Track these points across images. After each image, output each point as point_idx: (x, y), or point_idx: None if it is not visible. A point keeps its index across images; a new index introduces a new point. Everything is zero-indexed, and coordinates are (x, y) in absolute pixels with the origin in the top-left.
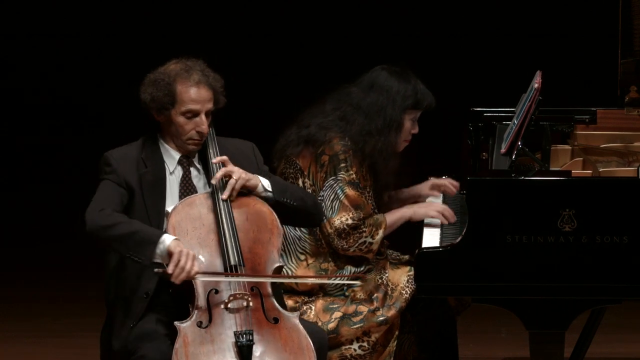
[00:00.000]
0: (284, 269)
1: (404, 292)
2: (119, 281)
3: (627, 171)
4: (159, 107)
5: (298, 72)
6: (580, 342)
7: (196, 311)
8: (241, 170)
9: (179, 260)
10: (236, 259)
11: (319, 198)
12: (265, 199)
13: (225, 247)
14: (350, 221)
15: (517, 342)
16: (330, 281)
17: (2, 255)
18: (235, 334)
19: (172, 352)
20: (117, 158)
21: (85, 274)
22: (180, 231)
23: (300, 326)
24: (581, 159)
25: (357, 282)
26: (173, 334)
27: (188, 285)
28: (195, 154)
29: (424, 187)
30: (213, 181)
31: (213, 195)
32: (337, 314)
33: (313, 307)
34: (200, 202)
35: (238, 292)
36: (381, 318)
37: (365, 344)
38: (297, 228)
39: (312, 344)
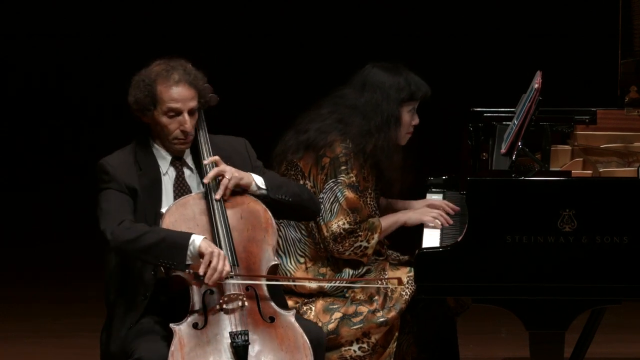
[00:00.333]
0: (282, 271)
1: (403, 293)
2: (119, 282)
3: (627, 171)
4: (142, 109)
5: (298, 72)
6: (580, 342)
7: (192, 312)
8: (233, 169)
9: (210, 262)
10: (230, 260)
11: (319, 200)
12: (260, 197)
13: (219, 248)
14: (347, 225)
15: (517, 343)
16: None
17: (2, 255)
18: (230, 335)
19: (168, 353)
20: (114, 164)
21: (85, 274)
22: None
23: (297, 324)
24: (581, 159)
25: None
26: (170, 335)
27: (183, 285)
28: (187, 154)
29: (418, 205)
30: (205, 180)
31: (206, 195)
32: (337, 315)
33: (313, 308)
34: (193, 202)
35: (233, 292)
36: (381, 319)
37: (365, 345)
38: (297, 230)
39: (308, 342)
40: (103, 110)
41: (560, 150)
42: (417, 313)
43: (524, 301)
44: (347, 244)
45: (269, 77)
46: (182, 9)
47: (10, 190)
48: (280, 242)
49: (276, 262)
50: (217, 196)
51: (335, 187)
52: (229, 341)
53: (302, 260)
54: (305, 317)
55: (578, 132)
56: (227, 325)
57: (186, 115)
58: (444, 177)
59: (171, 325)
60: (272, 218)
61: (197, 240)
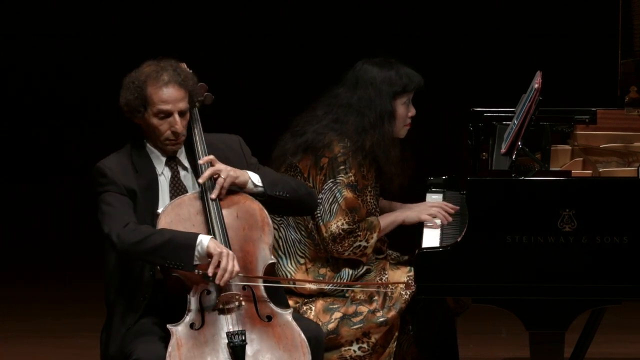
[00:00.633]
0: (282, 272)
1: (403, 292)
2: (118, 283)
3: (627, 171)
4: (132, 110)
5: (298, 72)
6: (581, 342)
7: (189, 313)
8: (229, 168)
9: (219, 262)
10: None
11: (318, 200)
12: (257, 195)
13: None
14: (345, 226)
15: (517, 343)
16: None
17: (2, 255)
18: (227, 335)
19: (166, 354)
20: (111, 167)
21: (85, 274)
22: None
23: (294, 323)
24: (581, 159)
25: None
26: (167, 336)
27: (180, 286)
28: (182, 153)
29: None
30: (200, 180)
31: (202, 194)
32: (337, 315)
33: (313, 308)
34: (189, 202)
35: (229, 292)
36: (381, 319)
37: (365, 345)
38: (297, 231)
39: (306, 341)
40: (103, 110)
41: (560, 150)
42: (417, 313)
43: (524, 301)
44: (346, 244)
45: (269, 77)
46: (181, 9)
47: (10, 190)
48: (280, 243)
49: (273, 261)
50: (213, 195)
51: (334, 187)
52: (227, 341)
53: (302, 261)
54: (305, 317)
55: (578, 132)
56: (224, 325)
57: (177, 117)
58: (444, 177)
59: (168, 326)
60: (268, 216)
61: (205, 241)
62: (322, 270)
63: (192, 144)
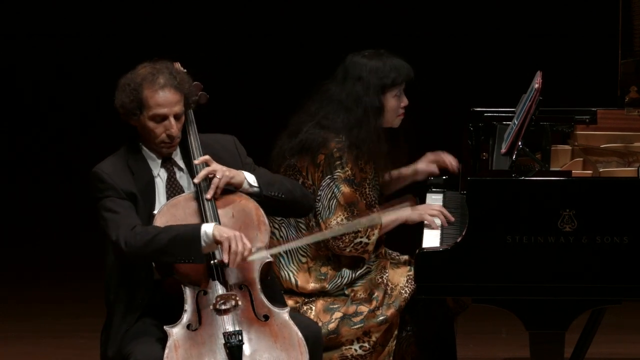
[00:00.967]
0: (284, 271)
1: (403, 291)
2: (117, 284)
3: (627, 171)
4: (128, 113)
5: (298, 72)
6: (581, 342)
7: (185, 314)
8: (225, 168)
9: (229, 247)
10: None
11: (317, 197)
12: (252, 195)
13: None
14: (345, 221)
15: (517, 343)
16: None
17: (2, 255)
18: (224, 335)
19: (163, 356)
20: (108, 172)
21: (85, 274)
22: None
23: (291, 322)
24: (581, 159)
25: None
26: (165, 337)
27: (176, 287)
28: (177, 154)
29: (421, 162)
30: (195, 180)
31: (197, 195)
32: (338, 314)
33: (313, 308)
34: (184, 202)
35: (226, 292)
36: (381, 317)
37: (365, 344)
38: (297, 230)
39: (303, 339)
40: (103, 110)
41: (561, 150)
42: (416, 313)
43: (524, 301)
44: (347, 240)
45: (269, 77)
46: (182, 9)
47: (10, 190)
48: (282, 241)
49: (269, 260)
50: (208, 195)
51: (331, 184)
52: (224, 342)
53: (304, 260)
54: (303, 315)
55: (578, 132)
56: (221, 325)
57: (172, 120)
58: (444, 177)
59: (165, 327)
60: (264, 215)
61: (209, 229)
62: (324, 269)
63: (187, 144)
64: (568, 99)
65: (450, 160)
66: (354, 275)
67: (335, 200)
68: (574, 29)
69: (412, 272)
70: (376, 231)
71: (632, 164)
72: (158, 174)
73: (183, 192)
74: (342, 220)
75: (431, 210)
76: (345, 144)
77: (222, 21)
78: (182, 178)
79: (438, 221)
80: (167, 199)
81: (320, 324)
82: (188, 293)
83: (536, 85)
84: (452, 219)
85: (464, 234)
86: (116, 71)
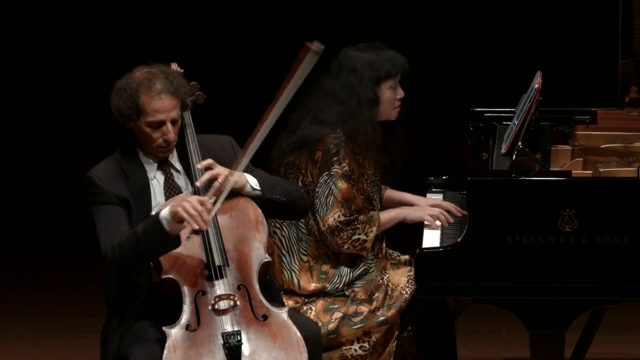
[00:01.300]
0: (287, 269)
1: (403, 292)
2: (115, 285)
3: (627, 171)
4: (124, 118)
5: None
6: (581, 342)
7: (184, 314)
8: (227, 172)
9: (188, 213)
10: (220, 260)
11: (315, 194)
12: (254, 198)
13: (209, 248)
14: (342, 217)
15: (517, 343)
16: None
17: (2, 255)
18: (223, 336)
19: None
20: (101, 176)
21: (85, 274)
22: None
23: (290, 321)
24: (581, 159)
25: None
26: (164, 338)
27: (174, 288)
28: (173, 155)
29: (422, 203)
30: (198, 184)
31: (195, 194)
32: (338, 315)
33: (313, 308)
34: None
35: (224, 292)
36: (381, 318)
37: (365, 344)
38: (297, 229)
39: (302, 339)
40: (103, 110)
41: (561, 150)
42: (417, 313)
43: (524, 301)
44: (344, 236)
45: (269, 77)
46: (181, 9)
47: (10, 190)
48: (283, 241)
49: (268, 260)
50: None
51: (329, 180)
52: (222, 342)
53: (305, 258)
54: (302, 314)
55: (578, 132)
56: (220, 326)
57: (169, 125)
58: (444, 177)
59: (164, 328)
60: (262, 215)
61: (165, 211)
62: (325, 267)
63: (184, 146)
64: (568, 99)
65: (447, 215)
66: (352, 274)
67: (332, 197)
68: (574, 29)
69: (412, 273)
70: (374, 228)
71: (632, 164)
72: (155, 177)
73: (181, 192)
74: (339, 216)
75: (431, 210)
76: (341, 138)
77: (222, 21)
78: (180, 179)
79: (437, 222)
80: (166, 200)
81: (320, 324)
82: (186, 293)
83: (536, 85)
84: (452, 219)
85: (464, 234)
86: (116, 71)
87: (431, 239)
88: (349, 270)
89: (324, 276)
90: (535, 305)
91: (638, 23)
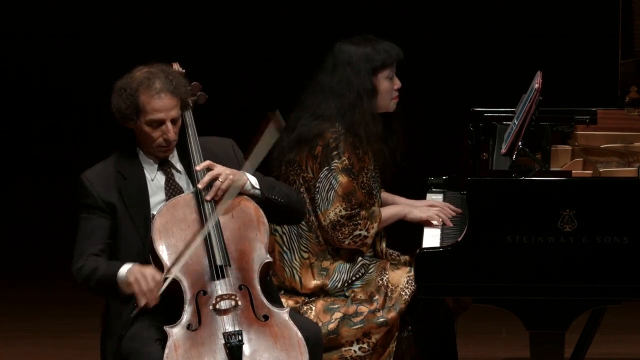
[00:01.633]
0: (288, 267)
1: (403, 293)
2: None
3: (627, 171)
4: (124, 118)
5: (298, 72)
6: (581, 342)
7: (185, 314)
8: (228, 171)
9: (140, 288)
10: (222, 259)
11: (315, 189)
12: (253, 197)
13: (210, 248)
14: (343, 212)
15: (517, 343)
16: None
17: (2, 255)
18: (224, 335)
19: (163, 356)
20: (92, 179)
21: None
22: (165, 234)
23: (291, 322)
24: (581, 159)
25: None
26: (164, 338)
27: (175, 287)
28: (174, 155)
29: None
30: (200, 186)
31: (197, 195)
32: (338, 315)
33: (313, 308)
34: (184, 203)
35: (225, 292)
36: (381, 319)
37: (365, 345)
38: (298, 226)
39: (303, 340)
40: (103, 110)
41: (561, 150)
42: (416, 313)
43: (524, 301)
44: (346, 231)
45: (269, 78)
46: (181, 9)
47: (10, 189)
48: (284, 238)
49: (269, 260)
50: (208, 197)
51: (329, 175)
52: (224, 342)
53: (305, 255)
54: (303, 315)
55: (578, 132)
56: (221, 325)
57: (169, 125)
58: (444, 177)
59: (165, 327)
60: (264, 216)
61: (123, 272)
62: (325, 264)
63: (185, 146)
64: (568, 99)
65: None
66: (352, 270)
67: (333, 192)
68: (574, 29)
69: (412, 273)
70: (375, 225)
71: (632, 164)
72: (155, 177)
73: (182, 192)
74: (340, 211)
75: (432, 210)
76: (341, 132)
77: (222, 21)
78: (181, 180)
79: (439, 220)
80: (166, 200)
81: (320, 324)
82: (188, 293)
83: (536, 86)
84: (454, 213)
85: (463, 234)
86: (116, 71)
87: (431, 239)
88: (348, 266)
89: (325, 272)
90: (535, 305)
91: (638, 23)
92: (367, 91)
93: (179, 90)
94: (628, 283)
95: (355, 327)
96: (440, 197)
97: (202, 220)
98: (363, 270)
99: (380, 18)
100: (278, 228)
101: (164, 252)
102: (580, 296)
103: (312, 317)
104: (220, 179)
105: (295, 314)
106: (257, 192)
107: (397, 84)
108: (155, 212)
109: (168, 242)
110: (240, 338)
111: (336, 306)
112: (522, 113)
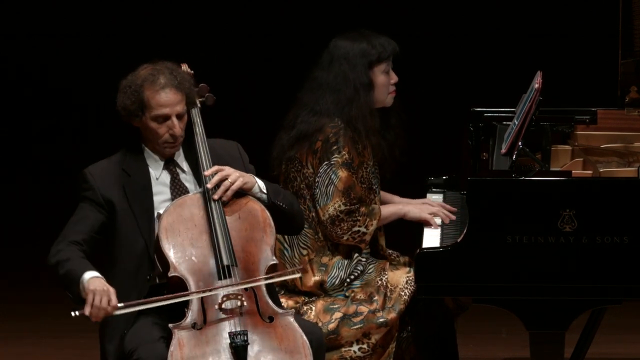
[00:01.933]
0: (289, 263)
1: (402, 293)
2: (115, 285)
3: (627, 171)
4: (130, 114)
5: (298, 72)
6: (581, 342)
7: (190, 313)
8: (238, 173)
9: (93, 300)
10: (229, 259)
11: (315, 184)
12: (259, 200)
13: (217, 248)
14: (343, 207)
15: (517, 343)
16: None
17: (2, 255)
18: (230, 335)
19: (168, 354)
20: (95, 174)
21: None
22: (172, 233)
23: (296, 324)
24: (581, 159)
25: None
26: (168, 336)
27: (181, 286)
28: (180, 155)
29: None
30: (209, 185)
31: (204, 195)
32: (338, 315)
33: (313, 308)
34: (191, 202)
35: (232, 292)
36: (381, 320)
37: (365, 345)
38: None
39: (308, 342)
40: (103, 110)
41: (561, 150)
42: (416, 313)
43: (524, 301)
44: (345, 227)
45: (269, 78)
46: (181, 9)
47: (10, 189)
48: (284, 235)
49: (275, 262)
50: (216, 196)
51: (328, 170)
52: (229, 341)
53: (304, 252)
54: (306, 317)
55: (578, 132)
56: (227, 325)
57: (175, 120)
58: (444, 177)
59: (170, 325)
60: (270, 218)
61: (86, 278)
62: (324, 260)
63: (191, 146)
64: (568, 99)
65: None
66: (349, 267)
67: (332, 186)
68: (574, 29)
69: (411, 274)
70: (375, 222)
71: (632, 164)
72: (159, 176)
73: (188, 192)
74: (339, 205)
75: (431, 208)
76: (340, 127)
77: (222, 21)
78: (186, 180)
79: (438, 220)
80: (172, 199)
81: (320, 324)
82: (193, 292)
83: (536, 86)
84: (453, 217)
85: (464, 234)
86: (116, 71)
87: (431, 239)
88: (346, 263)
89: (324, 268)
90: (535, 305)
91: (638, 23)
92: (364, 85)
93: (184, 86)
94: (628, 283)
95: (355, 327)
96: (440, 197)
97: (209, 220)
98: (360, 268)
99: (380, 18)
100: None
101: (170, 251)
102: (580, 296)
103: (312, 317)
104: (229, 180)
105: (298, 317)
106: (264, 196)
107: (394, 78)
108: (159, 211)
109: (175, 241)
110: (245, 338)
111: (336, 306)
112: (522, 113)
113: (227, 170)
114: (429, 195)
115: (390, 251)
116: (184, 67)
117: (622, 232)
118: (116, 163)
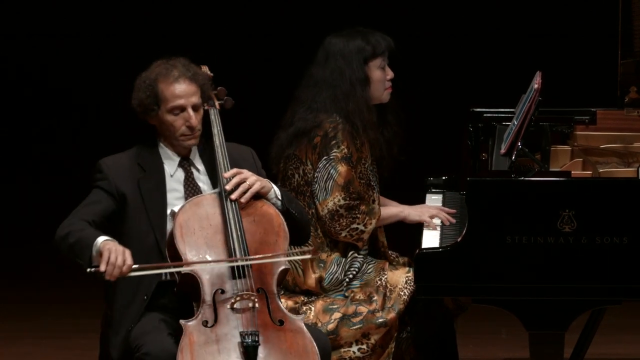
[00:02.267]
0: (290, 263)
1: (402, 293)
2: (118, 284)
3: (627, 172)
4: (146, 110)
5: (298, 72)
6: (580, 342)
7: (202, 310)
8: (255, 177)
9: (109, 258)
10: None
11: (314, 180)
12: (275, 206)
13: (232, 248)
14: (342, 201)
15: (517, 343)
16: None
17: (2, 255)
18: (241, 334)
19: (177, 349)
20: (110, 165)
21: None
22: (187, 230)
23: (306, 330)
24: (581, 159)
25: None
26: (175, 331)
27: (193, 284)
28: (195, 154)
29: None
30: (228, 187)
31: (221, 195)
32: (337, 315)
33: (313, 308)
34: (207, 202)
35: (245, 292)
36: (380, 320)
37: (364, 346)
38: None
39: (317, 348)
40: (103, 110)
41: (560, 150)
42: (416, 313)
43: (523, 301)
44: (343, 223)
45: (269, 78)
46: (182, 9)
47: (10, 189)
48: None
49: (287, 267)
50: (234, 196)
51: (327, 165)
52: (239, 340)
53: (305, 249)
54: (305, 317)
55: (578, 133)
56: (238, 324)
57: (190, 111)
58: (444, 177)
59: (181, 321)
60: (284, 222)
61: (100, 241)
62: (323, 256)
63: (207, 147)
64: (568, 99)
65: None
66: (345, 264)
67: (332, 181)
68: (574, 29)
69: (411, 274)
70: (374, 221)
71: (632, 165)
72: (174, 173)
73: (201, 192)
74: (339, 200)
75: (430, 211)
76: (339, 122)
77: (222, 21)
78: (200, 179)
79: (437, 221)
80: (185, 198)
81: (319, 324)
82: (206, 290)
83: (536, 86)
84: (453, 220)
85: (463, 234)
86: (116, 71)
87: (431, 239)
88: (343, 260)
89: (322, 265)
90: (535, 306)
91: (638, 23)
92: (360, 80)
93: (197, 77)
94: (628, 283)
95: (354, 327)
96: (439, 197)
97: (225, 220)
98: (357, 265)
99: (380, 18)
100: None
101: (183, 248)
102: (580, 296)
103: (311, 317)
104: (248, 182)
105: (306, 323)
106: (279, 202)
107: (390, 74)
108: (173, 208)
109: (189, 239)
110: (256, 338)
111: (335, 306)
112: (522, 113)
113: (246, 173)
114: (428, 196)
115: (389, 252)
116: (205, 69)
117: (622, 232)
118: (131, 157)
